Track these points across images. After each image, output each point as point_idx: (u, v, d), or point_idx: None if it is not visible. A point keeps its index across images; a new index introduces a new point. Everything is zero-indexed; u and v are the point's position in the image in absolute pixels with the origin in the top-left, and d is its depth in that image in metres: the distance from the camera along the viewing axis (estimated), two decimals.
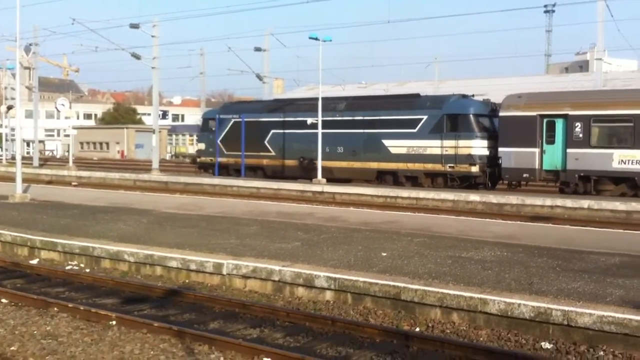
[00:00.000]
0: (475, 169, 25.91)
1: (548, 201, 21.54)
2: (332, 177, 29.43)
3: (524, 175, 25.08)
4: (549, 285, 9.59)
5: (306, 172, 30.53)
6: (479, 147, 26.08)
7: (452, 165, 26.40)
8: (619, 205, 20.28)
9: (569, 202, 21.14)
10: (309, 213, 19.01)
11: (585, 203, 20.82)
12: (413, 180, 27.52)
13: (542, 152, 24.74)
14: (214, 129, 34.12)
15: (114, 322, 9.10)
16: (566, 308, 8.48)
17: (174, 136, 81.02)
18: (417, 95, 29.29)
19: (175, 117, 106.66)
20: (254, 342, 8.28)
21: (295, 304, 10.36)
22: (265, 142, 31.98)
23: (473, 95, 28.47)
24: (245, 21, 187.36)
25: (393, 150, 27.95)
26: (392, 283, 9.93)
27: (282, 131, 31.46)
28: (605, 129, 23.80)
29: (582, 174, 23.87)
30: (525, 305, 8.76)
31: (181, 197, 24.87)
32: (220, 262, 11.64)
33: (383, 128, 28.21)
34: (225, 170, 33.72)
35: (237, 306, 9.96)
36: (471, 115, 26.41)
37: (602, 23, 34.46)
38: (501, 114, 25.66)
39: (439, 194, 23.94)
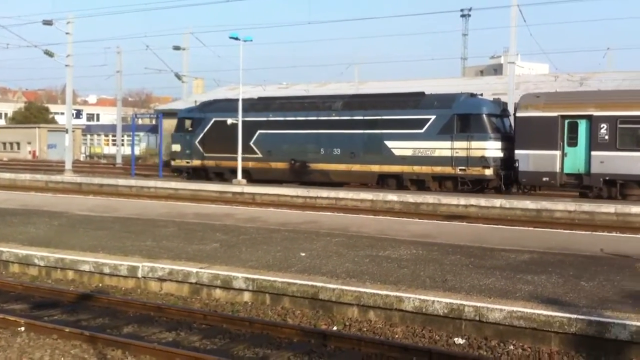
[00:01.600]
0: (489, 171, 24.48)
1: (463, 200, 22.13)
2: (329, 181, 27.90)
3: (544, 179, 23.67)
4: (462, 282, 9.84)
5: (298, 175, 28.59)
6: (492, 148, 24.70)
7: (464, 168, 24.85)
8: (529, 204, 21.05)
9: (482, 202, 21.78)
10: (228, 214, 18.85)
11: (497, 202, 21.50)
12: (419, 184, 25.93)
13: (563, 154, 23.48)
14: (190, 129, 31.51)
15: (22, 328, 8.76)
16: (478, 304, 8.72)
17: (88, 136, 78.71)
18: (421, 94, 27.47)
19: (90, 117, 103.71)
20: (169, 346, 8.14)
21: (213, 306, 10.24)
22: (251, 144, 29.58)
23: (481, 94, 27.27)
24: (163, 19, 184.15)
25: (397, 152, 26.18)
26: (310, 283, 9.95)
27: (270, 131, 29.22)
28: (634, 131, 22.52)
29: (607, 178, 22.69)
30: (439, 302, 8.95)
31: (95, 199, 24.18)
32: (135, 265, 11.37)
33: (385, 128, 26.45)
34: (205, 174, 31.19)
35: (153, 310, 9.76)
36: (484, 115, 24.96)
37: (515, 28, 35.58)
38: (518, 114, 24.35)
39: (358, 194, 24.20)
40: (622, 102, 23.14)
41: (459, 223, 18.04)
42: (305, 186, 27.25)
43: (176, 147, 32.39)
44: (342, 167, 27.59)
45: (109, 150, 70.90)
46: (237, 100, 31.85)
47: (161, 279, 11.14)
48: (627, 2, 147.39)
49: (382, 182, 26.87)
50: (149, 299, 10.55)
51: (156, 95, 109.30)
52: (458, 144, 24.94)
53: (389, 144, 26.42)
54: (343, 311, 9.62)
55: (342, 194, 24.45)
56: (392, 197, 23.39)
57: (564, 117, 23.60)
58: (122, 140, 58.80)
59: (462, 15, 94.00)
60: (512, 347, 8.29)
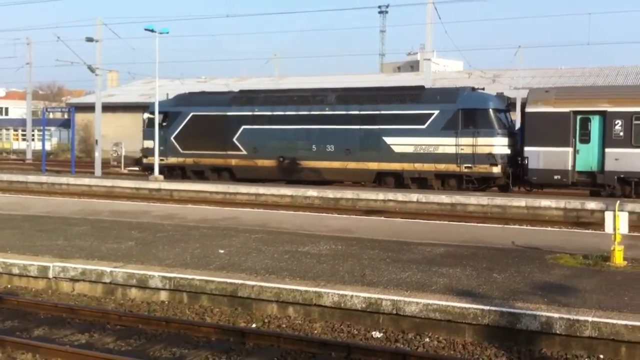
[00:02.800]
0: (497, 169, 23.64)
1: (381, 195, 22.43)
2: (321, 179, 26.38)
3: (555, 177, 22.80)
4: (380, 276, 9.96)
5: (287, 174, 26.93)
6: (500, 145, 23.78)
7: (470, 165, 23.88)
8: (445, 198, 21.55)
9: (400, 196, 22.13)
10: (144, 211, 18.44)
11: (414, 197, 21.89)
12: (420, 182, 24.79)
13: (575, 151, 22.73)
14: (165, 124, 29.07)
15: None
16: (395, 298, 8.84)
17: None
18: (421, 88, 26.48)
19: None
20: (82, 348, 7.88)
21: (128, 306, 9.98)
22: (234, 140, 27.61)
23: (483, 89, 26.46)
24: (75, 9, 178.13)
25: (397, 149, 24.90)
26: (229, 280, 9.85)
27: (256, 127, 27.31)
28: None
29: (622, 176, 22.04)
30: (358, 296, 9.02)
31: (4, 196, 23.18)
32: (46, 265, 10.95)
33: (384, 124, 25.08)
34: (182, 172, 28.85)
35: (65, 311, 9.42)
36: (491, 110, 24.04)
37: (430, 25, 36.29)
38: (528, 109, 23.43)
39: (278, 190, 24.15)
40: (638, 97, 22.60)
41: (377, 218, 18.29)
42: (226, 182, 26.92)
43: (148, 143, 29.55)
44: (336, 164, 26.02)
45: (19, 145, 68.03)
46: (218, 93, 30.80)
47: (73, 279, 10.77)
48: (537, 1, 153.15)
49: (380, 180, 25.59)
50: (61, 300, 10.19)
51: (68, 88, 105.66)
52: (464, 141, 23.93)
53: (388, 140, 25.09)
54: (262, 308, 9.57)
55: (262, 189, 24.33)
56: (312, 192, 23.46)
57: (575, 112, 22.78)
58: (33, 135, 56.65)
59: (380, 12, 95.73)
60: (428, 339, 8.45)
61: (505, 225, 17.04)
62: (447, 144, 24.16)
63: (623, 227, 11.18)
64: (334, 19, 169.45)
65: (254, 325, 9.09)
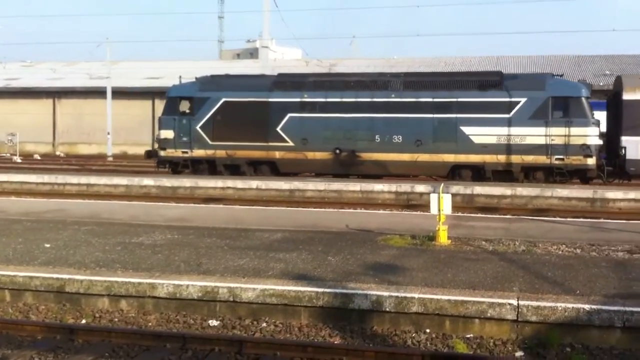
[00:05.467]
0: (591, 161, 22.12)
1: (220, 183, 22.25)
2: (386, 173, 23.97)
3: None
4: (216, 264, 9.86)
5: (345, 167, 24.15)
6: (594, 135, 22.28)
7: (562, 157, 22.24)
8: (283, 185, 21.79)
9: (239, 184, 22.08)
10: None
11: (254, 184, 21.95)
12: (504, 175, 22.84)
13: None
14: (188, 111, 25.41)
15: None
16: (232, 285, 8.80)
17: None
18: (499, 73, 24.47)
19: None
20: None
21: None
22: (278, 130, 24.40)
23: (562, 75, 24.81)
24: None
25: (477, 140, 22.84)
26: (55, 275, 9.31)
27: (305, 115, 24.26)
28: None
29: None
30: (194, 285, 8.88)
31: None
32: None
33: (461, 112, 23.02)
34: (211, 166, 25.15)
35: None
36: (584, 99, 22.41)
37: (268, 12, 36.37)
38: (625, 97, 22.07)
39: (111, 179, 23.24)
40: None
41: (215, 205, 18.13)
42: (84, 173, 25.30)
43: (167, 134, 25.40)
44: (404, 157, 23.51)
45: None
46: (253, 76, 26.90)
47: None
48: None
49: (456, 173, 23.46)
50: None
51: None
52: (555, 131, 22.23)
53: (467, 130, 23.00)
54: (92, 303, 9.16)
55: (93, 179, 23.28)
56: (148, 181, 22.80)
57: None
58: None
59: None
60: (265, 324, 8.50)
61: (341, 210, 17.53)
62: (535, 134, 22.46)
63: (447, 208, 11.83)
64: (171, 3, 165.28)
65: (83, 321, 8.68)
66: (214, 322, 8.58)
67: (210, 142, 24.99)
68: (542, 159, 22.53)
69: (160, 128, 26.00)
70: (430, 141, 23.30)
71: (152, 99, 50.40)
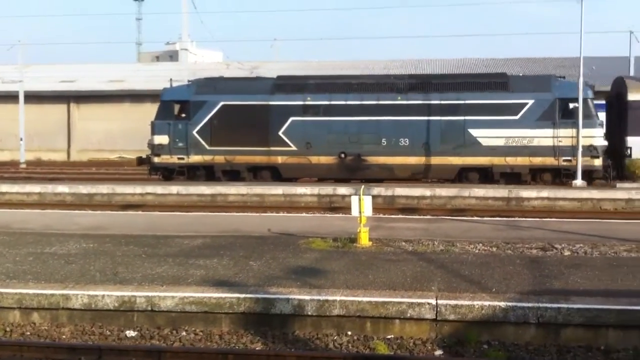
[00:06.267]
0: (598, 162, 22.27)
1: (139, 189, 21.75)
2: (392, 177, 23.49)
3: None
4: (134, 272, 9.60)
5: (350, 172, 23.62)
6: (600, 136, 22.50)
7: (569, 158, 22.34)
8: (205, 190, 21.49)
9: (159, 189, 21.65)
10: None
11: (174, 189, 21.57)
12: (512, 177, 22.75)
13: None
14: (184, 115, 24.42)
15: None
16: (150, 294, 8.57)
17: None
18: (504, 75, 24.39)
19: None
20: None
21: None
22: (280, 134, 23.73)
23: (564, 77, 24.84)
24: None
25: (485, 142, 22.74)
26: None
27: (309, 118, 23.69)
28: None
29: None
30: (110, 295, 8.61)
31: None
32: None
33: (469, 114, 22.87)
34: (209, 172, 24.19)
35: None
36: (590, 100, 22.56)
37: (187, 14, 35.87)
38: (630, 98, 22.39)
39: (24, 187, 22.38)
40: None
41: (134, 212, 17.71)
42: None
43: (161, 139, 24.26)
44: (411, 160, 23.21)
45: None
46: (251, 79, 25.53)
47: None
48: None
49: (463, 176, 23.29)
50: None
51: None
52: (562, 132, 22.37)
53: (475, 132, 22.86)
54: (3, 316, 8.75)
55: (4, 187, 22.34)
56: (63, 188, 22.08)
57: None
58: None
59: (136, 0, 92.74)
60: (184, 333, 8.32)
61: (264, 214, 17.43)
62: (543, 136, 22.54)
63: (368, 210, 11.94)
64: (88, 5, 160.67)
65: None
66: (131, 333, 8.34)
67: (208, 148, 24.11)
68: (550, 161, 22.66)
69: (153, 133, 24.75)
70: (437, 144, 23.12)
71: (67, 103, 48.91)
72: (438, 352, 7.73)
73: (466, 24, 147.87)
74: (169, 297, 8.52)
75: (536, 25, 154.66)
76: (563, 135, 22.46)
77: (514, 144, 22.71)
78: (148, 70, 58.91)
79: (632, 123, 22.80)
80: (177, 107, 24.67)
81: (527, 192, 20.56)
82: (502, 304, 7.95)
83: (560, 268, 9.69)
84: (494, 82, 23.56)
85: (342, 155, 23.53)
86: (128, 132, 47.62)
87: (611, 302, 7.86)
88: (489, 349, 7.71)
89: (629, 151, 22.76)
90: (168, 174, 24.59)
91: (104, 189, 21.95)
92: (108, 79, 49.79)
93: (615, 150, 23.19)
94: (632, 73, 36.26)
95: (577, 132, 22.14)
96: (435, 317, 8.01)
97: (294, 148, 23.78)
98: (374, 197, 17.14)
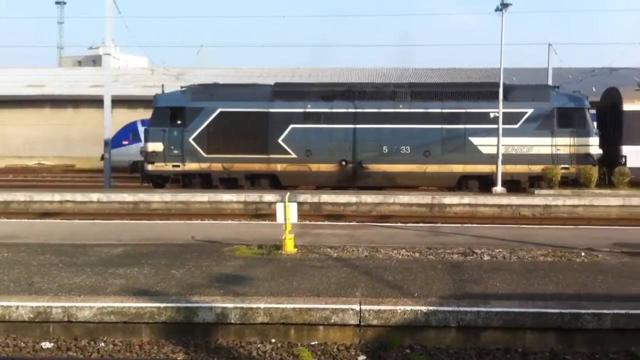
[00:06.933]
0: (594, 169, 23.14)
1: (57, 196, 21.09)
2: (393, 184, 23.58)
3: None
4: (50, 282, 9.25)
5: (351, 180, 23.72)
6: (596, 145, 23.26)
7: (567, 166, 23.21)
8: (127, 197, 21.02)
9: (79, 197, 21.03)
10: None
11: (94, 197, 21.00)
12: (512, 185, 23.25)
13: None
14: (179, 122, 23.87)
15: None
16: (67, 304, 8.27)
17: None
18: (502, 85, 24.60)
19: None
20: None
21: None
22: (280, 141, 23.71)
23: (559, 87, 25.43)
24: None
25: (485, 150, 23.34)
26: None
27: (309, 126, 23.74)
28: None
29: None
30: (24, 306, 8.26)
31: None
32: None
33: (470, 123, 23.48)
34: (205, 180, 23.88)
35: None
36: (586, 110, 23.40)
37: (110, 18, 35.12)
38: (625, 108, 23.39)
39: None
40: None
41: (52, 221, 17.15)
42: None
43: (155, 146, 23.85)
44: (412, 168, 23.58)
45: None
46: (249, 85, 25.62)
47: None
48: (218, 2, 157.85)
49: (463, 184, 23.78)
50: None
51: None
52: (560, 141, 23.27)
53: (475, 140, 23.51)
54: None
55: None
56: None
57: None
58: None
59: (57, 3, 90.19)
60: (103, 343, 8.07)
61: (188, 221, 17.17)
62: (542, 144, 23.35)
63: (293, 217, 11.90)
64: (7, 7, 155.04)
65: None
66: (47, 345, 8.03)
67: (205, 155, 23.83)
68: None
69: (147, 140, 24.32)
70: (438, 152, 23.63)
71: None
72: (361, 358, 7.76)
73: (389, 33, 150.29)
74: (87, 308, 8.24)
75: (464, 37, 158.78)
76: (561, 144, 23.34)
77: (514, 152, 23.48)
78: (69, 75, 57.34)
79: (627, 132, 23.79)
80: (173, 113, 24.18)
81: (450, 199, 21.01)
82: (424, 308, 8.05)
83: (480, 273, 9.91)
84: (493, 91, 23.96)
85: (343, 163, 23.80)
86: (48, 138, 46.21)
87: (528, 306, 8.08)
88: (411, 353, 7.80)
89: (623, 159, 23.77)
90: (162, 181, 24.29)
91: (20, 196, 21.15)
92: (27, 84, 48.22)
93: (607, 159, 23.98)
94: (550, 83, 37.65)
95: (573, 141, 23.23)
96: (359, 323, 8.04)
97: (293, 156, 23.86)
98: (300, 203, 17.20)
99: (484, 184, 23.65)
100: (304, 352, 7.79)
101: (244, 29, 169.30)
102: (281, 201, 12.28)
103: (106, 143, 25.55)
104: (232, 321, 8.13)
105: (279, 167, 23.95)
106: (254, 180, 24.19)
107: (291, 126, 23.87)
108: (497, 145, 22.96)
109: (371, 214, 20.16)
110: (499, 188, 22.89)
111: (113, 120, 26.64)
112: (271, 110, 23.89)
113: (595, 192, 22.38)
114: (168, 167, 23.95)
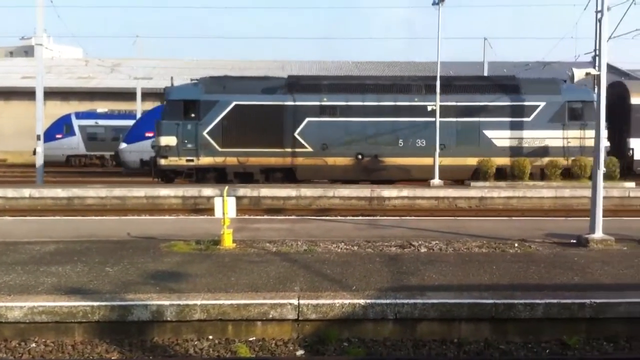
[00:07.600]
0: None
1: None
2: (410, 177, 23.89)
3: None
4: None
5: (367, 173, 23.85)
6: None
7: (576, 159, 23.68)
8: (60, 192, 20.47)
9: (10, 192, 20.37)
10: None
11: (26, 192, 20.37)
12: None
13: None
14: (193, 115, 23.34)
15: None
16: None
17: None
18: (513, 78, 25.25)
19: None
20: None
21: None
22: (296, 135, 23.60)
23: (565, 81, 24.74)
24: None
25: (499, 143, 23.86)
26: None
27: (325, 119, 23.65)
28: None
29: None
30: None
31: None
32: None
33: (484, 116, 23.83)
34: (220, 175, 23.51)
35: None
36: (595, 103, 22.16)
37: (42, 8, 34.09)
38: (633, 101, 23.42)
39: None
40: None
41: None
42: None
43: (168, 140, 23.30)
44: (428, 161, 23.62)
45: None
46: (264, 78, 25.01)
47: None
48: None
49: (474, 176, 23.97)
50: None
51: None
52: (571, 133, 23.79)
53: (489, 133, 23.94)
54: None
55: None
56: None
57: None
58: None
59: None
60: (34, 344, 7.82)
61: (124, 217, 16.83)
62: (553, 137, 23.84)
63: (232, 212, 11.81)
64: None
65: None
66: None
67: (219, 149, 23.56)
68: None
69: (159, 134, 23.74)
70: (454, 145, 24.07)
71: None
72: (299, 352, 7.75)
73: (329, 26, 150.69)
74: (17, 307, 7.97)
75: (401, 30, 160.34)
76: (572, 137, 24.02)
77: (527, 145, 24.13)
78: (0, 66, 55.50)
79: (635, 125, 24.59)
80: (186, 106, 23.71)
81: (388, 192, 21.21)
82: (362, 301, 8.09)
83: (417, 265, 10.03)
84: (507, 84, 24.73)
85: (359, 157, 23.94)
86: None
87: (464, 297, 8.22)
88: (349, 346, 7.83)
89: (631, 152, 24.68)
90: (174, 176, 23.96)
91: None
92: None
93: (614, 152, 24.63)
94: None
95: (584, 134, 23.52)
96: (297, 317, 8.02)
97: (309, 149, 23.86)
98: (239, 198, 17.11)
99: (499, 176, 24.09)
100: (242, 348, 7.73)
101: (180, 19, 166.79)
102: (220, 196, 12.16)
103: (39, 137, 24.82)
104: (168, 319, 8.00)
105: (295, 160, 23.96)
106: (269, 174, 24.12)
107: (307, 119, 23.87)
108: (436, 137, 23.35)
109: (311, 207, 20.18)
110: (436, 180, 23.24)
111: (46, 113, 25.96)
112: (287, 103, 23.85)
113: (529, 184, 22.97)
114: (182, 161, 23.63)
